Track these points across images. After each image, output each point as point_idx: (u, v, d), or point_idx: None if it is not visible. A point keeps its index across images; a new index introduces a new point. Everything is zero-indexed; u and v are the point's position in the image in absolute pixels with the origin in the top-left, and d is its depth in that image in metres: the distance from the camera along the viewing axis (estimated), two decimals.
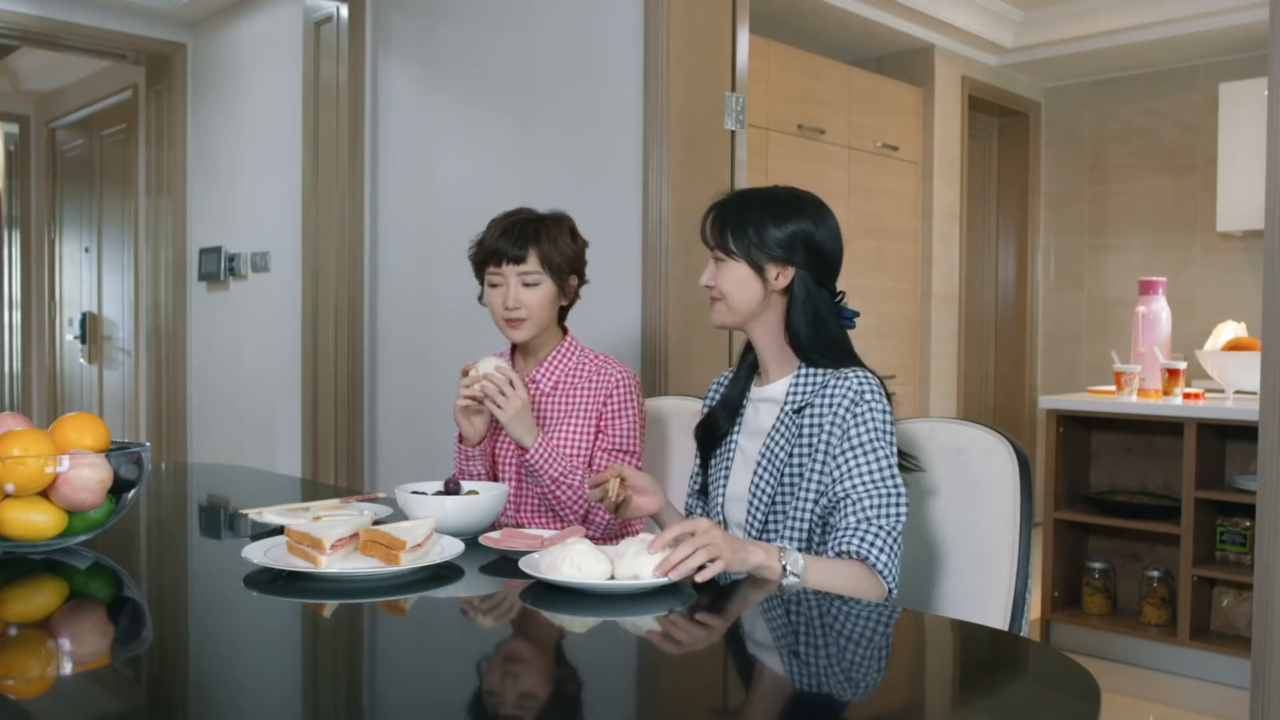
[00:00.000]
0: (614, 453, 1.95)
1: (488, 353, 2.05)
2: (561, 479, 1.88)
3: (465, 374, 1.91)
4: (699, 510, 1.81)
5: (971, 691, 1.12)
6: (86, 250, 5.84)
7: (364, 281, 3.79)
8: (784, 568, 1.42)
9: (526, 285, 1.94)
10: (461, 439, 1.98)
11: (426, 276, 3.56)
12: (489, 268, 1.97)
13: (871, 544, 1.49)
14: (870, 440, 1.54)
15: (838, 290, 1.67)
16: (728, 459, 1.72)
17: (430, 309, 3.54)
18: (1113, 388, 3.70)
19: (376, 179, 3.76)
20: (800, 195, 1.66)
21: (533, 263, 1.94)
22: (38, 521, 1.47)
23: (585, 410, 1.98)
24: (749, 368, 1.75)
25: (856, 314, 1.69)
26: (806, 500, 1.58)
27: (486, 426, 1.96)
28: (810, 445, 1.58)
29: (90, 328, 5.75)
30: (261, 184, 4.27)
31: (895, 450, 1.56)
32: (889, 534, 1.50)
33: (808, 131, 4.27)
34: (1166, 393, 3.52)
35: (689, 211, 2.79)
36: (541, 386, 2.02)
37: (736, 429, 1.72)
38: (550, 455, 1.89)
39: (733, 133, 2.88)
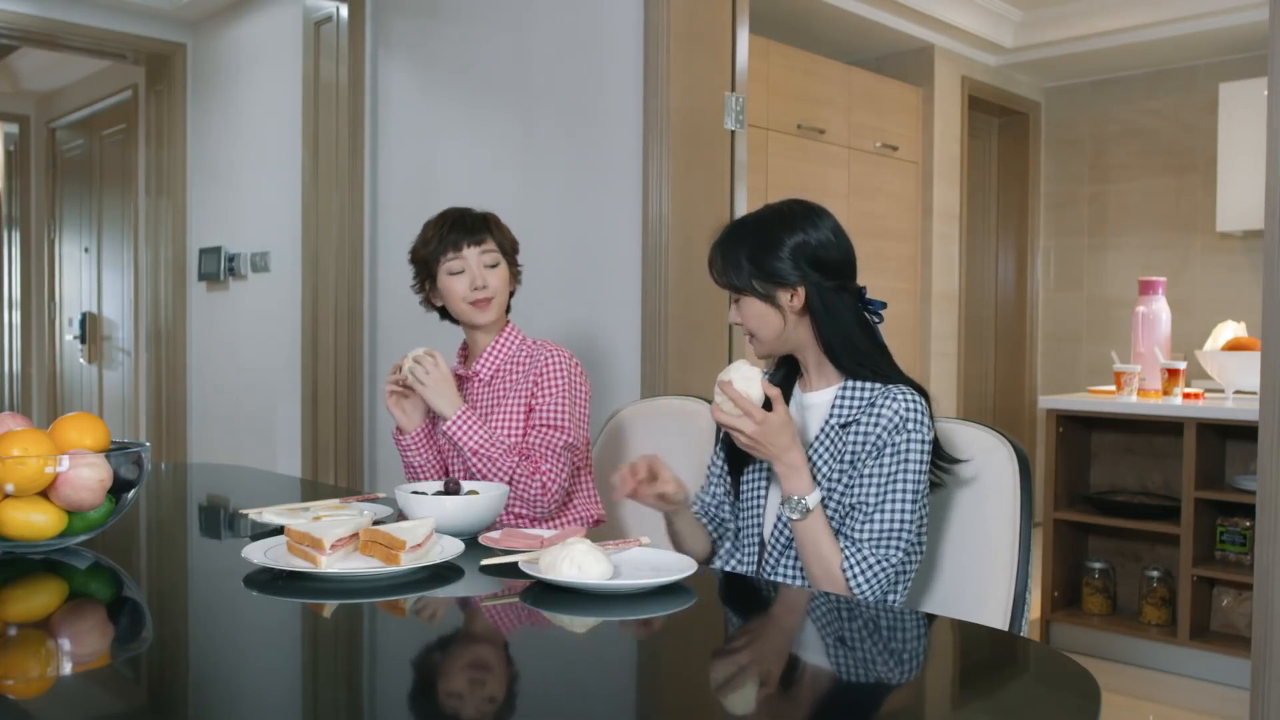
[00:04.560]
0: (541, 428, 1.97)
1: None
2: (481, 450, 1.91)
3: (396, 368, 2.00)
4: (720, 512, 1.78)
5: (971, 691, 1.12)
6: (86, 250, 5.84)
7: (364, 281, 3.79)
8: (794, 499, 1.52)
9: (488, 266, 2.04)
10: (399, 430, 2.03)
11: None
12: (446, 257, 2.03)
13: (860, 570, 1.51)
14: (900, 472, 1.53)
15: (859, 286, 1.63)
16: (768, 466, 1.67)
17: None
18: (1113, 388, 3.70)
19: (376, 179, 3.76)
20: (786, 210, 1.62)
21: (491, 243, 2.05)
22: (38, 521, 1.47)
23: (517, 394, 2.02)
24: (786, 373, 1.71)
25: (884, 304, 1.65)
26: (838, 514, 1.57)
27: (421, 415, 2.03)
28: (852, 464, 1.57)
29: (90, 328, 5.75)
30: (261, 184, 4.27)
31: (924, 482, 1.55)
32: (882, 567, 1.51)
33: (807, 131, 4.27)
34: (1166, 393, 3.52)
35: (689, 211, 2.79)
36: (481, 376, 2.07)
37: None
38: (469, 426, 1.91)
39: (732, 133, 2.88)
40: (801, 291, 1.59)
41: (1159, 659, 3.45)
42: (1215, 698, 3.22)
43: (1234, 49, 5.03)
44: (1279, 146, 1.89)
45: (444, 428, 1.92)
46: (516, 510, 1.95)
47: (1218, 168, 4.95)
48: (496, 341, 2.08)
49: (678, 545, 1.75)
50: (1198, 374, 4.15)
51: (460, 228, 2.04)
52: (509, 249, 2.09)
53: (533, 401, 2.00)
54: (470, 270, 2.03)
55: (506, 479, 1.92)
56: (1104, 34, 5.00)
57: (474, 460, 1.91)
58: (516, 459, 1.93)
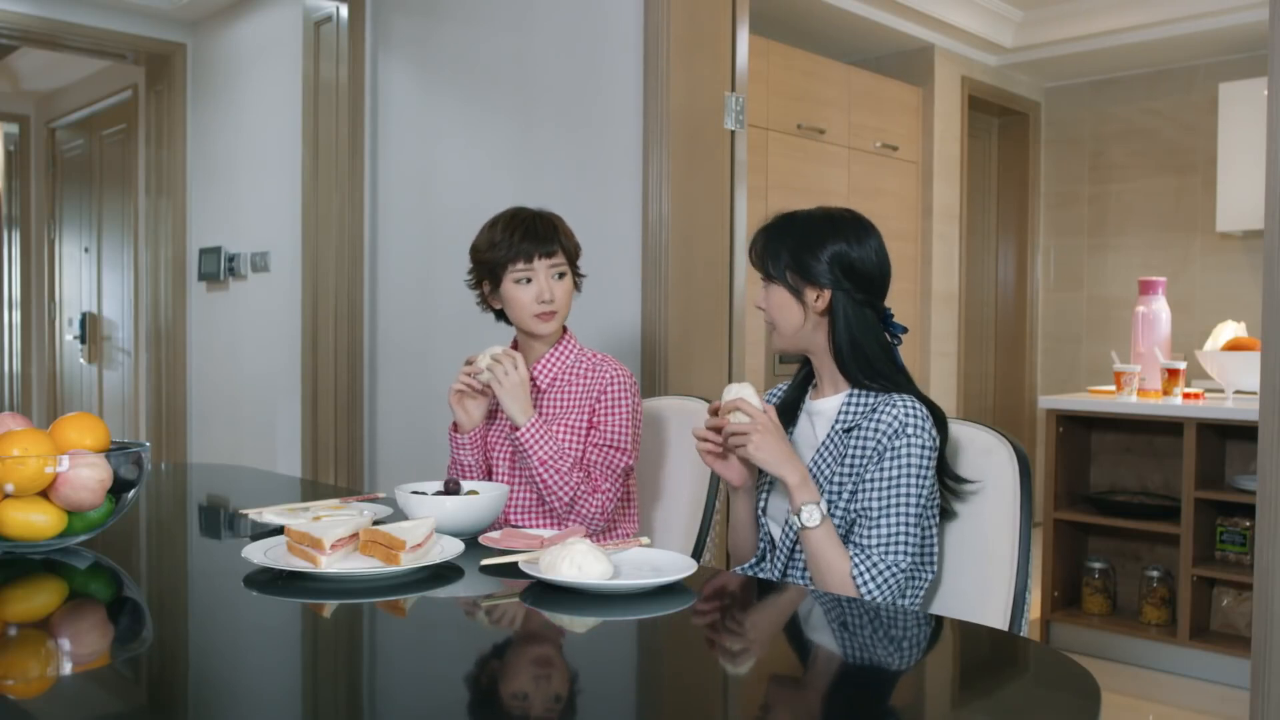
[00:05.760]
0: (604, 448, 1.96)
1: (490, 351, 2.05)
2: (550, 462, 1.90)
3: (469, 363, 1.97)
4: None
5: (971, 691, 1.12)
6: (86, 250, 5.84)
7: (364, 281, 3.79)
8: (801, 509, 1.54)
9: (556, 278, 2.00)
10: (456, 427, 2.01)
11: (426, 276, 3.56)
12: (515, 265, 1.97)
13: (871, 577, 1.52)
14: (902, 477, 1.54)
15: (886, 308, 1.67)
16: (769, 480, 1.71)
17: (430, 309, 3.54)
18: (1113, 388, 3.70)
19: (376, 179, 3.76)
20: (837, 216, 1.66)
21: (560, 255, 2.00)
22: (38, 521, 1.47)
23: (579, 407, 2.00)
24: (804, 378, 1.75)
25: (905, 329, 1.69)
26: (844, 520, 1.59)
27: (481, 415, 2.01)
28: (852, 468, 1.59)
29: (90, 328, 5.75)
30: (261, 184, 4.27)
31: (928, 488, 1.56)
32: (892, 572, 1.52)
33: (807, 131, 4.27)
34: (1166, 393, 3.52)
35: (689, 211, 2.79)
36: (539, 383, 2.03)
37: (788, 436, 1.71)
38: (541, 437, 1.90)
39: (732, 133, 2.88)
40: (827, 294, 1.63)
41: (1159, 659, 3.45)
42: (1215, 698, 3.22)
43: (1234, 49, 5.03)
44: (1279, 146, 1.89)
45: (516, 436, 1.90)
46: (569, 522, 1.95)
47: (1218, 168, 4.95)
48: (555, 350, 2.04)
49: (733, 530, 1.78)
50: (1198, 374, 4.15)
51: (533, 237, 1.97)
52: (574, 256, 2.05)
53: (594, 418, 1.98)
54: (539, 282, 1.97)
55: (571, 494, 1.91)
56: (1104, 34, 5.00)
57: (541, 470, 1.90)
58: (581, 475, 1.92)
